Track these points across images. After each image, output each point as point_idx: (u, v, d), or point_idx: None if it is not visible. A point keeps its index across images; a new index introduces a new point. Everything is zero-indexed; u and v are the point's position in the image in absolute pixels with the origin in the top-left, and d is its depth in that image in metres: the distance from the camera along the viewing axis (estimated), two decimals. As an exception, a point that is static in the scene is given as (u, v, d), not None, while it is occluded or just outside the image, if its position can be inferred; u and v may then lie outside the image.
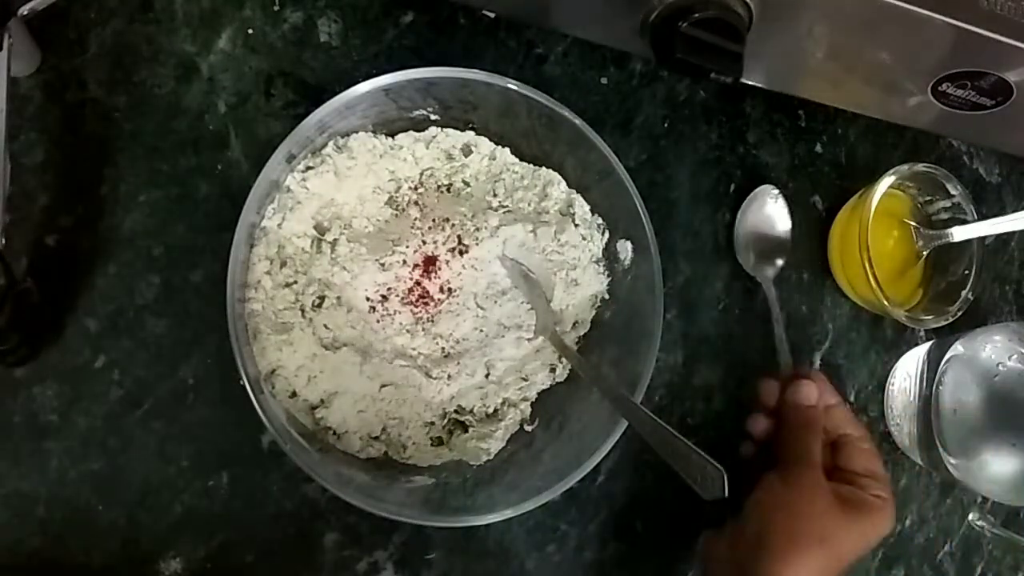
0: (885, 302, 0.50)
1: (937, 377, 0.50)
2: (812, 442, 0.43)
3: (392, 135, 0.45)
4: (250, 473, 0.43)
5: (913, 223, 0.55)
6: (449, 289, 0.45)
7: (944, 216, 0.55)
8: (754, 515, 0.42)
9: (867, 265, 0.50)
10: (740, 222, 0.53)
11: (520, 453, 0.45)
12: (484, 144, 0.46)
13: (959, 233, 0.52)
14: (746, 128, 0.55)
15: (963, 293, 0.53)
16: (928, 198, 0.55)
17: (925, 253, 0.54)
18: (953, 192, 0.54)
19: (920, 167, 0.52)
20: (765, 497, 0.42)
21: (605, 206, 0.47)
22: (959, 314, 0.53)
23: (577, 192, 0.47)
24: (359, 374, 0.42)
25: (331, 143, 0.43)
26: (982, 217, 0.53)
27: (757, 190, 0.53)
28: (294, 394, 0.41)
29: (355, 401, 0.42)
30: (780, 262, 0.53)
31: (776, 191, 0.53)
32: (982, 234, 0.52)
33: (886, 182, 0.51)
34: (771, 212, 0.53)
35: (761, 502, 0.42)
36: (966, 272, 0.54)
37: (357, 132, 0.44)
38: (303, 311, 0.42)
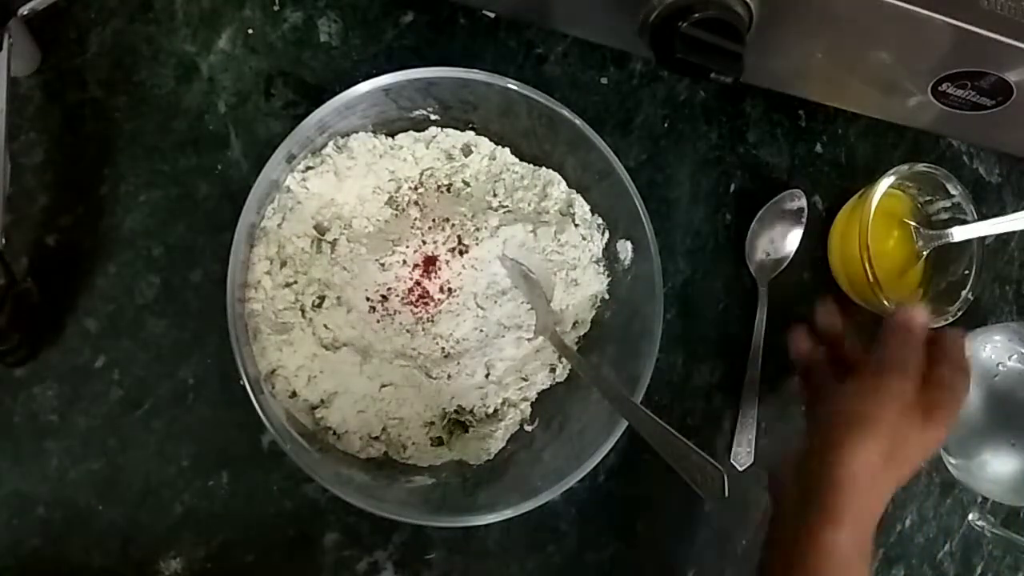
0: (885, 302, 0.50)
1: (937, 377, 0.50)
2: (910, 356, 0.43)
3: (392, 135, 0.45)
4: (250, 473, 0.43)
5: (913, 223, 0.55)
6: (449, 289, 0.45)
7: (944, 216, 0.55)
8: (824, 416, 0.42)
9: (867, 265, 0.50)
10: (759, 221, 0.53)
11: (520, 453, 0.45)
12: (484, 144, 0.46)
13: (959, 233, 0.52)
14: (746, 128, 0.55)
15: (963, 293, 0.53)
16: (928, 198, 0.55)
17: (925, 253, 0.54)
18: (953, 192, 0.54)
19: (920, 167, 0.52)
20: (838, 403, 0.42)
21: (605, 206, 0.47)
22: (959, 314, 0.53)
23: (577, 192, 0.47)
24: (359, 374, 0.42)
25: (331, 143, 0.43)
26: (982, 217, 0.53)
27: (784, 194, 0.53)
28: (294, 394, 0.41)
29: (355, 401, 0.42)
30: (780, 269, 0.54)
31: (802, 201, 0.53)
32: (982, 234, 0.52)
33: (886, 182, 0.51)
34: (789, 222, 0.54)
35: (835, 407, 0.42)
36: (966, 272, 0.54)
37: (357, 132, 0.44)
38: (303, 311, 0.42)
